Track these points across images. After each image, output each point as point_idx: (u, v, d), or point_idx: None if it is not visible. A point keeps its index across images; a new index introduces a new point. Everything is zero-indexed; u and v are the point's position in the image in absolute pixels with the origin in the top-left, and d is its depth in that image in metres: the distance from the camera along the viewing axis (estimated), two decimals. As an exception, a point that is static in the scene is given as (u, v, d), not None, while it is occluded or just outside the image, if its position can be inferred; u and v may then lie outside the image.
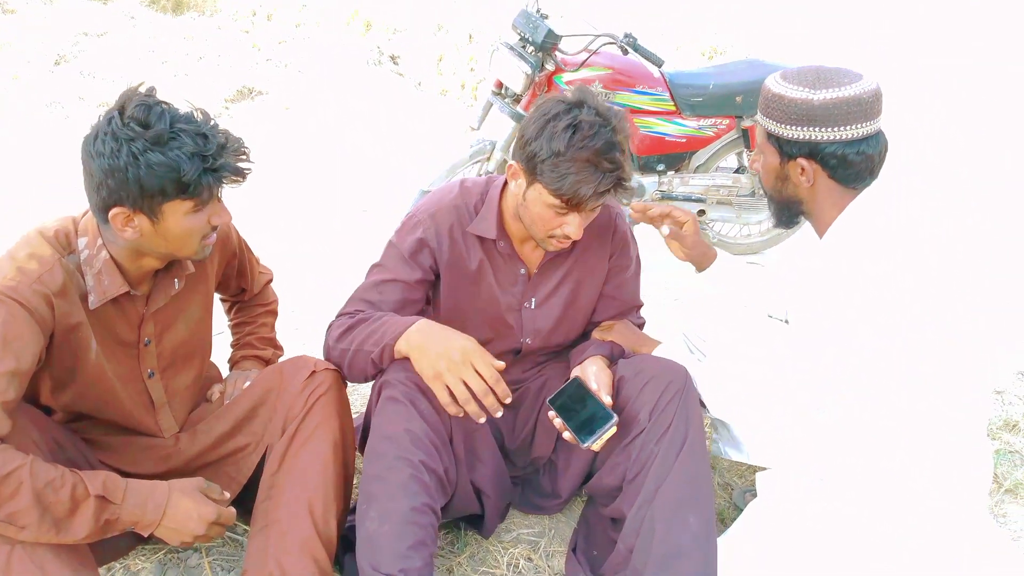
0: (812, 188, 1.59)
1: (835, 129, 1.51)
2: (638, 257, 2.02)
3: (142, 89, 1.45)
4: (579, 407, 1.71)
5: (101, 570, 1.85)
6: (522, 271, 1.88)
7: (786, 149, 1.57)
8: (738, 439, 1.88)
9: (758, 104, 1.62)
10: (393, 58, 7.78)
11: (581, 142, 1.51)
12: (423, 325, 1.65)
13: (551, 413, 1.74)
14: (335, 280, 3.48)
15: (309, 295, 3.32)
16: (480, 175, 3.38)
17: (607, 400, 1.70)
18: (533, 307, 1.91)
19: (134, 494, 1.49)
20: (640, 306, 2.09)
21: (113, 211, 1.43)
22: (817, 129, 1.51)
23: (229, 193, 1.56)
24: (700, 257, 1.98)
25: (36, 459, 1.39)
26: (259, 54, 7.06)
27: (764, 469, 1.81)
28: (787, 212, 1.70)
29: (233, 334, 2.11)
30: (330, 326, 1.82)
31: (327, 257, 3.76)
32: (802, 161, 1.56)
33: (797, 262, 1.90)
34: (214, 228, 1.56)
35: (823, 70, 1.54)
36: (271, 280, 2.13)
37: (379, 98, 6.67)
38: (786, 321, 1.99)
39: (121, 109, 1.40)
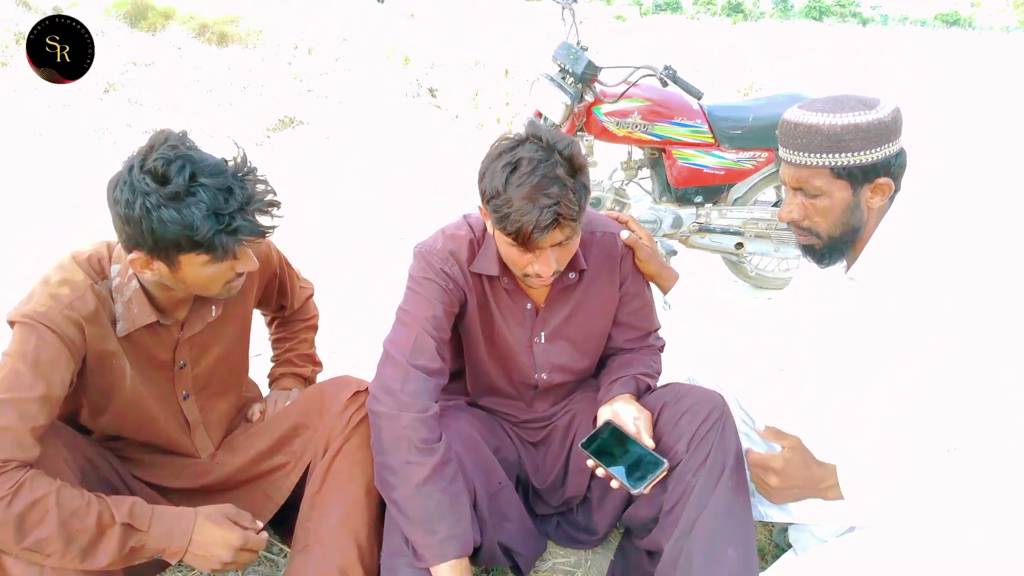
0: (873, 208, 1.59)
1: (898, 140, 1.54)
2: (648, 283, 1.99)
3: (173, 134, 1.42)
4: (619, 451, 1.68)
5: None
6: (528, 306, 1.83)
7: (864, 176, 1.54)
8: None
9: (814, 148, 1.52)
10: (431, 91, 7.91)
11: (519, 180, 1.48)
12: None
13: (590, 462, 1.70)
14: (372, 304, 3.51)
15: (347, 319, 3.34)
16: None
17: (649, 443, 1.67)
18: (543, 342, 1.86)
19: (160, 521, 1.47)
20: (657, 329, 2.03)
21: (132, 255, 1.43)
22: (891, 144, 1.52)
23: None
24: (657, 274, 1.94)
25: (64, 485, 1.38)
26: (301, 85, 7.23)
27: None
28: (844, 246, 1.64)
29: (273, 349, 2.13)
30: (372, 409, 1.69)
31: (364, 282, 3.79)
32: (881, 180, 1.54)
33: (817, 300, 1.83)
34: (239, 274, 1.55)
35: (850, 96, 1.56)
36: (312, 294, 2.14)
37: (417, 129, 6.78)
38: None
39: (143, 158, 1.38)
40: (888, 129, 1.50)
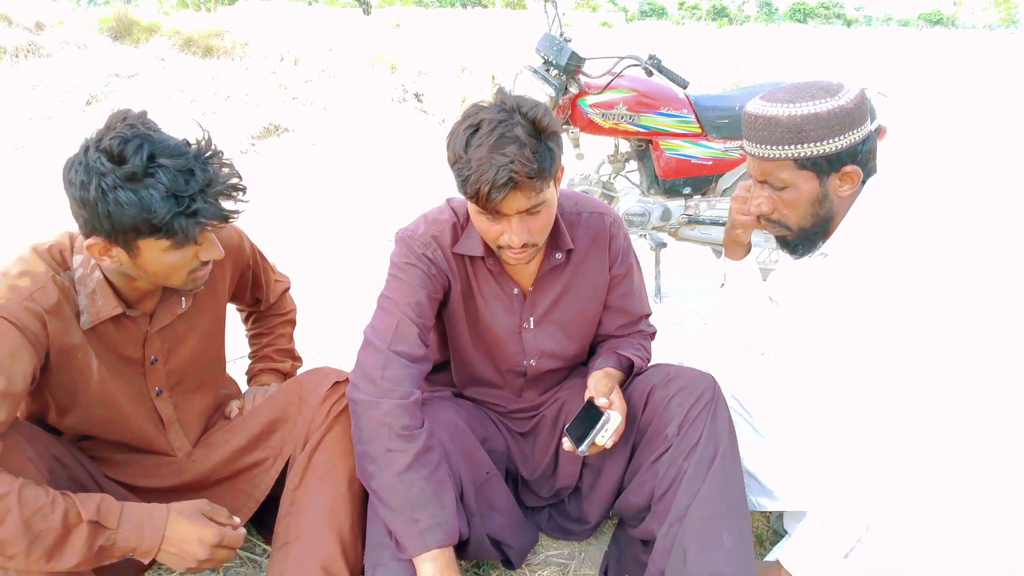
0: (843, 196, 1.54)
1: (864, 125, 1.48)
2: (638, 264, 1.93)
3: (132, 113, 1.36)
4: (583, 419, 1.63)
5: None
6: (515, 290, 1.78)
7: (829, 165, 1.49)
8: (770, 488, 1.79)
9: (776, 140, 1.48)
10: (417, 96, 7.87)
11: (478, 140, 1.45)
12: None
13: (565, 440, 1.65)
14: (359, 306, 3.46)
15: (334, 321, 3.30)
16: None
17: (601, 401, 1.61)
18: (532, 327, 1.81)
19: (130, 518, 1.40)
20: (648, 315, 1.97)
21: (90, 240, 1.37)
22: (856, 130, 1.47)
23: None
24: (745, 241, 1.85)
25: (27, 483, 1.31)
26: (286, 92, 7.18)
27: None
28: (816, 236, 1.61)
29: (251, 345, 2.06)
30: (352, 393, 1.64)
31: (351, 285, 3.75)
32: (848, 168, 1.49)
33: (789, 285, 1.80)
34: (204, 264, 1.48)
35: (813, 83, 1.51)
36: (288, 288, 2.08)
37: (403, 134, 6.74)
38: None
39: (100, 137, 1.32)
40: (851, 116, 1.45)
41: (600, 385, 1.68)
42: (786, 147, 1.48)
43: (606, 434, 1.57)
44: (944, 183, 5.51)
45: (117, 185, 1.29)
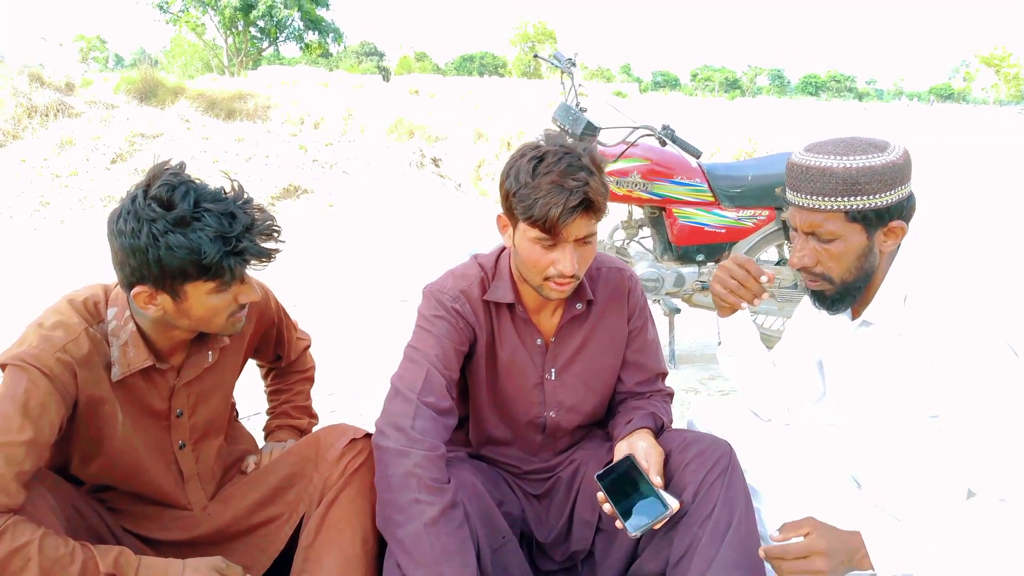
0: (885, 252, 1.55)
1: (909, 183, 1.50)
2: (653, 322, 1.96)
3: (171, 164, 1.44)
4: (631, 489, 1.61)
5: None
6: (538, 341, 1.82)
7: (878, 219, 1.49)
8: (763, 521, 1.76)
9: (829, 192, 1.47)
10: (435, 161, 8.03)
11: (546, 168, 1.53)
12: None
13: (600, 494, 1.64)
14: (375, 365, 3.48)
15: (349, 379, 3.31)
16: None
17: (657, 481, 1.61)
18: (553, 377, 1.84)
19: (147, 572, 1.43)
20: (665, 373, 1.98)
21: (136, 289, 1.42)
22: (904, 186, 1.49)
23: (273, 275, 1.53)
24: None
25: (48, 533, 1.34)
26: (306, 155, 7.34)
27: None
28: (856, 291, 1.59)
29: (269, 401, 2.08)
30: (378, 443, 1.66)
31: (368, 343, 3.77)
32: (894, 223, 1.50)
33: (825, 346, 1.79)
34: (242, 306, 1.54)
35: (857, 138, 1.53)
36: (309, 346, 2.11)
37: (420, 197, 6.85)
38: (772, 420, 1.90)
39: (146, 187, 1.39)
40: (901, 171, 1.47)
41: (654, 455, 1.69)
42: (839, 199, 1.47)
43: (663, 521, 1.56)
44: (973, 248, 5.54)
45: (167, 230, 1.35)
